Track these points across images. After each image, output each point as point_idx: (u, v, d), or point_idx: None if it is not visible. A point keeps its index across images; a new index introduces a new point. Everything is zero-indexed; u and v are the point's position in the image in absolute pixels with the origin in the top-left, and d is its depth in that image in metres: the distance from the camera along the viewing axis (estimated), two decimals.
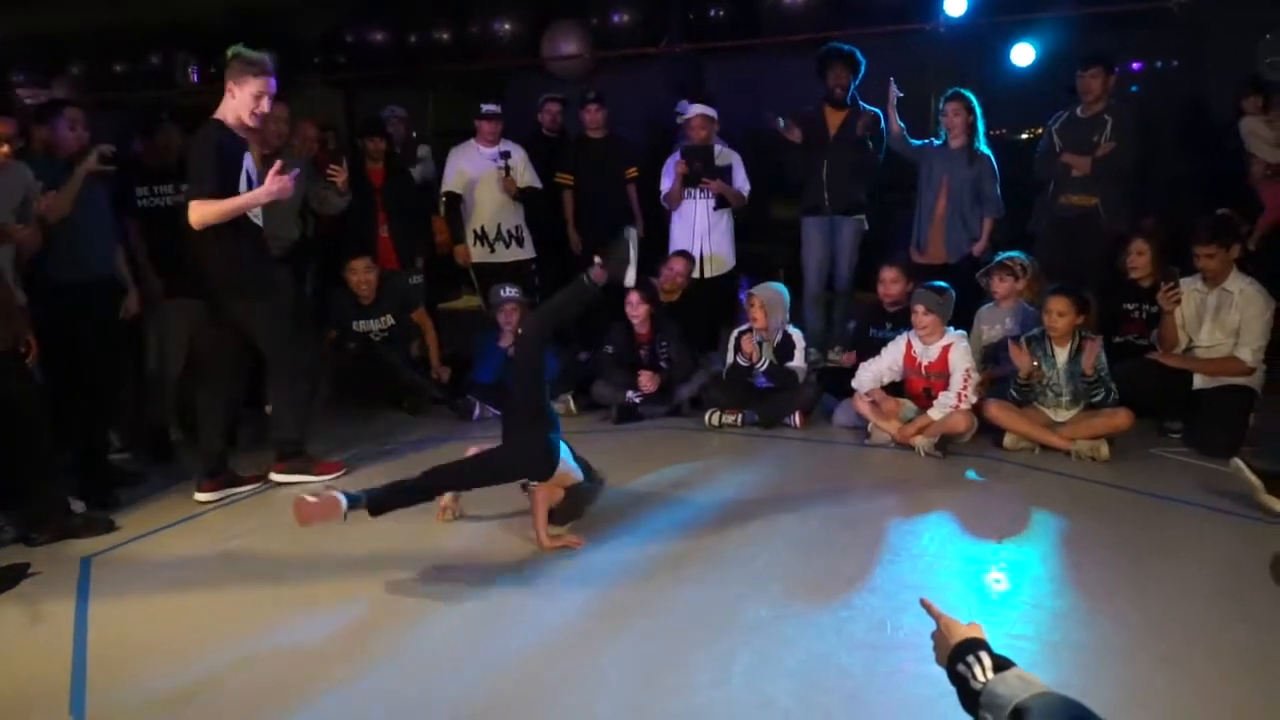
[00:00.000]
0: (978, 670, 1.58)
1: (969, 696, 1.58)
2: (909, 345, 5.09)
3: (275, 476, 4.71)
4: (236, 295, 4.40)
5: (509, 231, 6.50)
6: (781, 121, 6.26)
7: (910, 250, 6.22)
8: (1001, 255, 5.52)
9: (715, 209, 6.39)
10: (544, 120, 7.13)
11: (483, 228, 6.47)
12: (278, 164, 4.33)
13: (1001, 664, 1.59)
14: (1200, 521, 4.00)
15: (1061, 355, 4.87)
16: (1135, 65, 8.24)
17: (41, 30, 10.08)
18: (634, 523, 4.08)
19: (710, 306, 6.49)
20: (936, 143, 6.15)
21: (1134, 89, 8.09)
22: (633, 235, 4.03)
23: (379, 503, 3.60)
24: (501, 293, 5.98)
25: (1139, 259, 5.28)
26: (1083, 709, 1.45)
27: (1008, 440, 4.94)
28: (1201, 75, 7.77)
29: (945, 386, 4.90)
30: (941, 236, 6.10)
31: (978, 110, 6.00)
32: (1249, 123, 6.45)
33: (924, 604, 1.81)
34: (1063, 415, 4.90)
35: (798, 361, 5.53)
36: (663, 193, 6.46)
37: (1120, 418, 4.72)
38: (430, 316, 6.44)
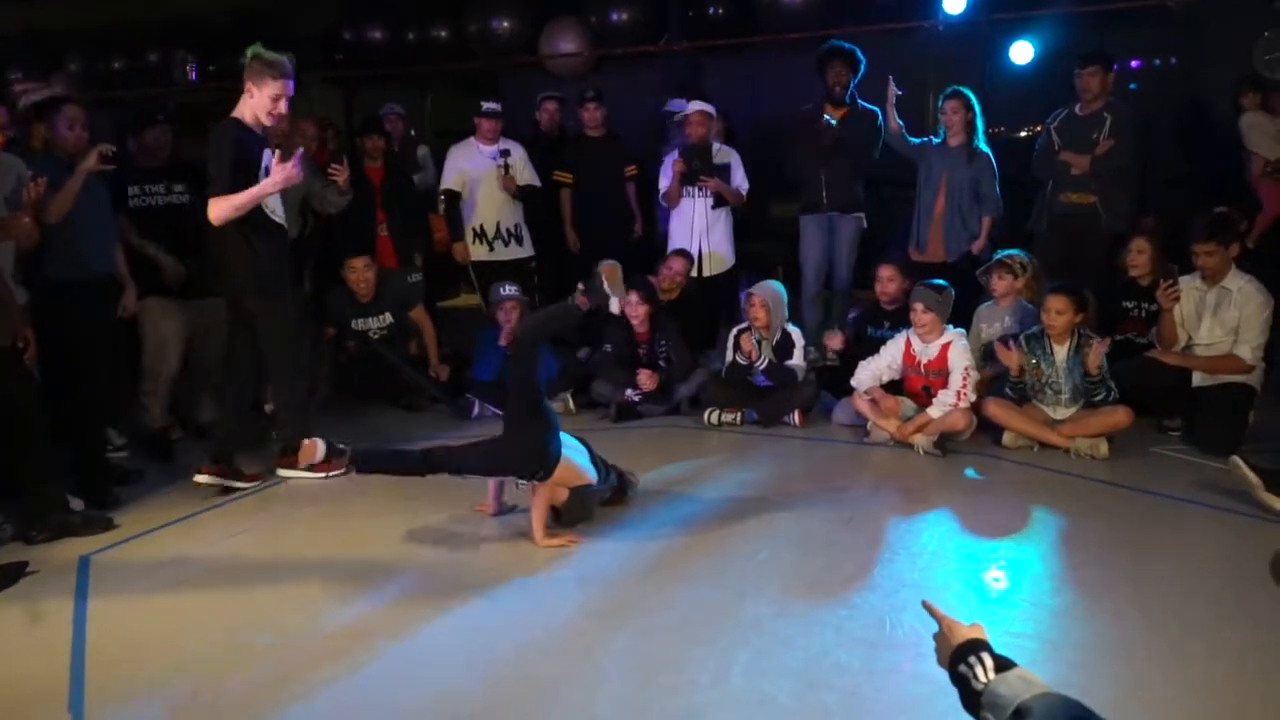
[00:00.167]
0: (979, 671, 1.58)
1: (971, 697, 1.58)
2: (908, 343, 5.09)
3: (281, 472, 4.75)
4: (254, 292, 4.46)
5: (508, 230, 6.49)
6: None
7: (909, 248, 6.22)
8: (1001, 253, 5.52)
9: (714, 208, 6.38)
10: (542, 119, 7.13)
11: (482, 226, 6.46)
12: (277, 153, 4.41)
13: (1003, 664, 1.59)
14: (1199, 519, 4.00)
15: (1060, 353, 4.87)
16: (1134, 63, 8.24)
17: (40, 27, 10.09)
18: (633, 521, 4.08)
19: (709, 305, 6.49)
20: (935, 141, 6.15)
21: (1133, 87, 8.09)
22: (607, 270, 3.98)
23: (367, 459, 3.74)
24: (501, 291, 5.98)
25: (1139, 258, 5.28)
26: (1084, 709, 1.45)
27: (1007, 438, 4.94)
28: (1200, 73, 7.77)
29: (944, 385, 4.90)
30: (940, 235, 6.10)
31: (977, 108, 6.00)
32: (1249, 118, 6.46)
33: (926, 606, 1.82)
34: (1062, 413, 4.90)
35: (797, 360, 5.53)
36: (661, 191, 6.46)
37: (1119, 416, 4.72)
38: (429, 315, 6.44)
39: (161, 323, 5.19)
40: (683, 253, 6.32)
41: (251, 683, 2.89)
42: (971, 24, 7.27)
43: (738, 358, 5.57)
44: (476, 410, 5.78)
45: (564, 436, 3.92)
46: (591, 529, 3.94)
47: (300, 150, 4.56)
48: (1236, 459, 4.06)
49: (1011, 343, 4.98)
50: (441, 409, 5.97)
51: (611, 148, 6.81)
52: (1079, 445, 4.76)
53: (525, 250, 6.59)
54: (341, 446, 3.70)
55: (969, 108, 5.98)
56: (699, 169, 6.27)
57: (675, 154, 6.36)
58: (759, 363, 5.52)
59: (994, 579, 3.49)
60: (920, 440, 4.91)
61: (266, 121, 4.39)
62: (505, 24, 8.54)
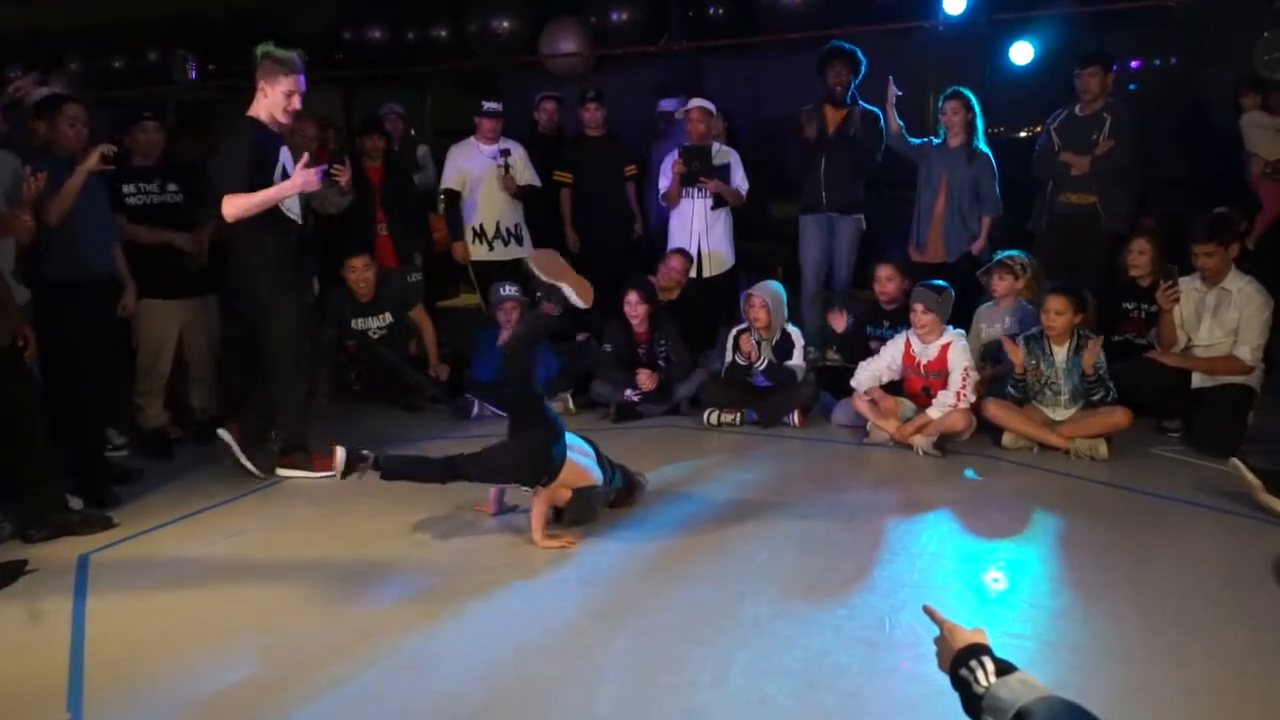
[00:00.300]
0: (980, 675, 1.59)
1: (972, 701, 1.59)
2: (908, 344, 5.09)
3: (281, 472, 4.75)
4: (263, 289, 4.51)
5: (508, 229, 6.49)
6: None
7: (909, 249, 6.22)
8: (1001, 254, 5.52)
9: (713, 208, 6.37)
10: (540, 119, 7.13)
11: (482, 225, 6.46)
12: (305, 156, 4.44)
13: (1004, 668, 1.59)
14: (1199, 521, 4.00)
15: (1060, 354, 4.87)
16: (1134, 64, 8.24)
17: (40, 26, 10.08)
18: (632, 521, 4.08)
19: (709, 306, 6.49)
20: (935, 141, 6.14)
21: (1133, 87, 8.09)
22: (538, 262, 3.92)
23: (391, 467, 3.76)
24: (501, 291, 5.98)
25: (1140, 258, 5.28)
26: (1085, 713, 1.45)
27: (1006, 439, 4.94)
28: (1200, 73, 7.77)
29: (944, 385, 4.90)
30: (940, 235, 6.10)
31: (977, 109, 6.00)
32: (1249, 119, 6.46)
33: (927, 610, 1.82)
34: (1061, 414, 4.90)
35: (796, 360, 5.53)
36: (660, 192, 6.45)
37: (1119, 416, 4.72)
38: (429, 315, 6.44)
39: (155, 323, 5.20)
40: (681, 252, 6.32)
41: (251, 682, 2.89)
42: (971, 24, 7.27)
43: (737, 358, 5.57)
44: (476, 410, 5.78)
45: (570, 438, 3.92)
46: (591, 529, 3.93)
47: (325, 167, 4.66)
48: (1236, 461, 4.06)
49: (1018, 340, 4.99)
50: (441, 409, 5.97)
51: (611, 148, 6.81)
52: (1078, 446, 4.76)
53: (525, 250, 6.56)
54: (365, 453, 3.70)
55: (969, 108, 5.98)
56: (699, 170, 6.26)
57: (675, 154, 6.35)
58: (758, 363, 5.52)
59: (993, 580, 3.49)
60: (920, 441, 4.91)
61: (282, 119, 4.45)
62: (505, 24, 8.53)
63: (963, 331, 5.09)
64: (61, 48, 10.07)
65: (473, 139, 6.45)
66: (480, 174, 6.39)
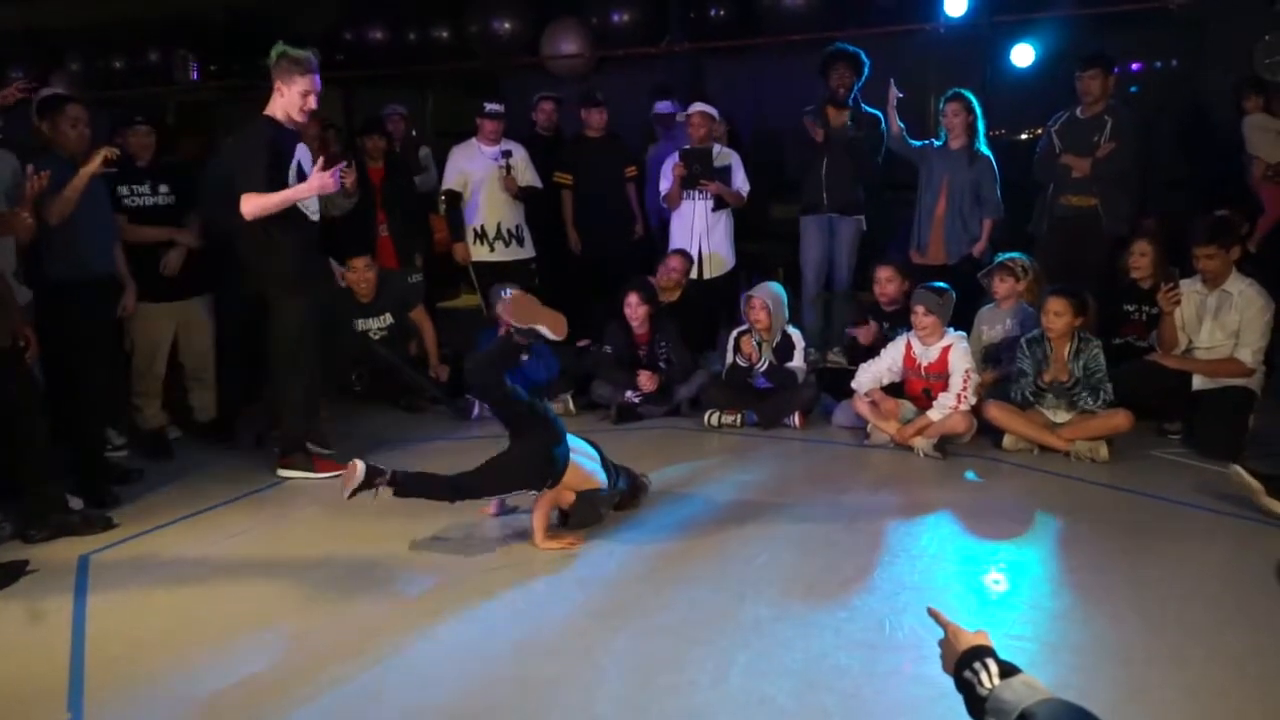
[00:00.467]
0: (984, 676, 1.59)
1: (976, 703, 1.59)
2: (909, 346, 5.09)
3: (281, 472, 4.76)
4: (271, 287, 4.55)
5: (509, 230, 6.48)
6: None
7: (910, 251, 6.22)
8: (1002, 256, 5.51)
9: (714, 210, 6.37)
10: (538, 119, 7.12)
11: (483, 226, 6.46)
12: (322, 159, 4.50)
13: (1008, 670, 1.60)
14: (1199, 523, 4.00)
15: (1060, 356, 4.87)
16: (1135, 66, 8.25)
17: (40, 26, 10.09)
18: (633, 522, 4.08)
19: (709, 307, 6.49)
20: (936, 143, 6.14)
21: (1133, 90, 8.10)
22: (507, 309, 3.89)
23: (404, 486, 3.75)
24: (502, 293, 5.95)
25: (1141, 260, 5.28)
26: (1087, 714, 1.46)
27: (1007, 441, 4.94)
28: (1201, 76, 7.77)
29: (945, 387, 4.90)
30: (941, 237, 6.09)
31: (978, 111, 6.00)
32: (1251, 121, 6.46)
33: (931, 613, 1.82)
34: (1062, 416, 4.90)
35: (797, 362, 5.53)
36: (661, 194, 6.46)
37: (1119, 419, 4.72)
38: (429, 315, 6.44)
39: (149, 326, 5.19)
40: (681, 253, 6.32)
41: (251, 682, 2.89)
42: (973, 26, 7.27)
43: (738, 360, 5.57)
44: (476, 411, 5.77)
45: (573, 440, 3.92)
46: (591, 530, 3.93)
47: (344, 165, 4.73)
48: (1237, 468, 4.05)
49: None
50: (441, 409, 5.97)
51: (611, 148, 6.81)
52: (1079, 448, 4.76)
53: (526, 251, 6.58)
54: (381, 468, 3.72)
55: (970, 110, 5.98)
56: (699, 173, 6.26)
57: (675, 156, 6.35)
58: (759, 365, 5.52)
59: (993, 581, 3.49)
60: (920, 443, 4.91)
61: (299, 118, 4.51)
62: (506, 25, 8.53)
63: (964, 334, 5.09)
64: (61, 48, 10.09)
65: (474, 140, 6.44)
66: (482, 175, 6.38)
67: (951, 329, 5.03)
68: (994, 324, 5.46)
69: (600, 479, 3.94)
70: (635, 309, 5.69)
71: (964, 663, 1.64)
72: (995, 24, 7.30)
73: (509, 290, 3.84)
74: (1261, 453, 4.53)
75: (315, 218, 4.66)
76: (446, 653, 3.04)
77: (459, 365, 6.19)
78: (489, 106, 6.37)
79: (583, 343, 6.17)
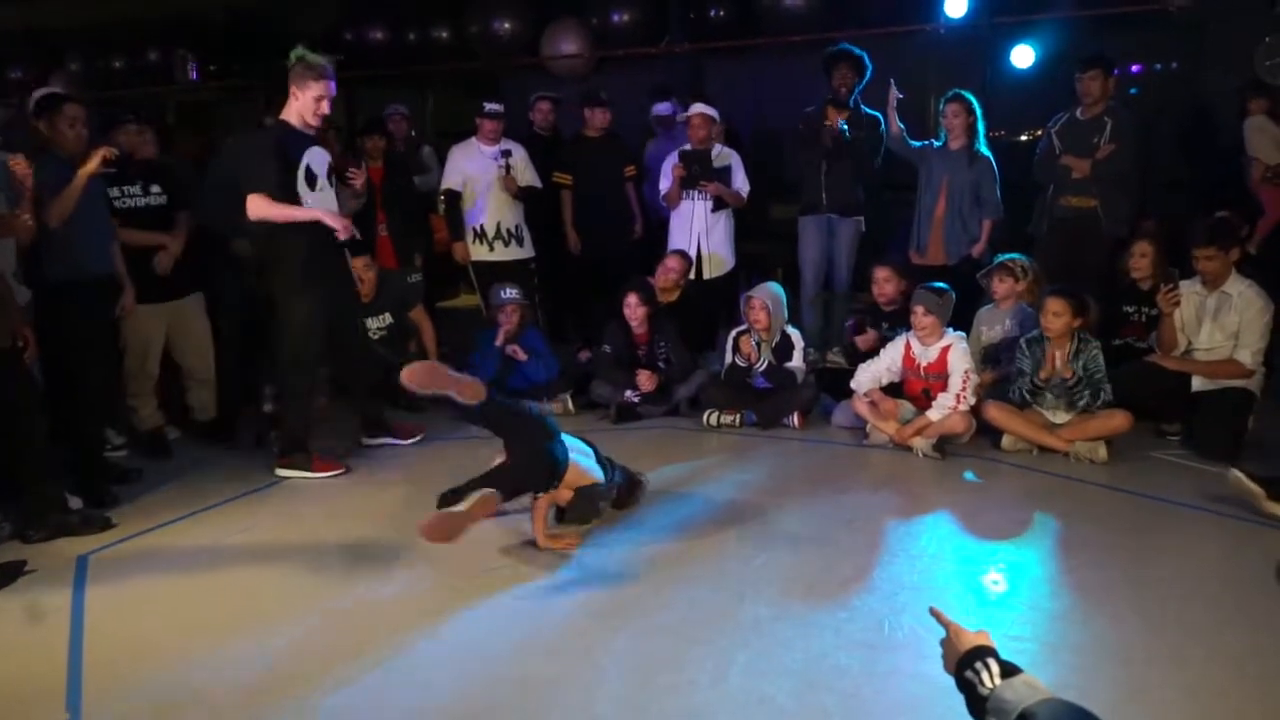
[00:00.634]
0: (985, 676, 1.60)
1: (977, 702, 1.59)
2: (908, 346, 5.09)
3: (280, 472, 4.76)
4: (278, 285, 4.58)
5: (509, 230, 6.48)
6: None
7: (910, 252, 6.22)
8: (1001, 257, 5.52)
9: (713, 210, 6.37)
10: (535, 119, 7.12)
11: (482, 226, 6.46)
12: (344, 223, 4.56)
13: (1009, 670, 1.60)
14: (1198, 523, 4.00)
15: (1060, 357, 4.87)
16: (1135, 67, 8.25)
17: (40, 26, 10.10)
18: (632, 522, 4.08)
19: (709, 307, 6.49)
20: (936, 144, 6.14)
21: (1133, 91, 8.10)
22: (420, 374, 3.73)
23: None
24: (502, 294, 5.97)
25: (1142, 261, 5.28)
26: (1088, 715, 1.46)
27: (1006, 442, 4.94)
28: (1201, 77, 7.78)
29: (944, 388, 4.90)
30: (941, 238, 6.10)
31: (978, 112, 6.00)
32: (1253, 122, 6.46)
33: (933, 612, 1.83)
34: (1061, 417, 4.90)
35: (796, 362, 5.53)
36: (661, 194, 6.46)
37: (1118, 420, 4.72)
38: (429, 315, 6.44)
39: (140, 325, 5.17)
40: (680, 253, 6.31)
41: (250, 682, 2.89)
42: (973, 27, 7.28)
43: (737, 360, 5.57)
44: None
45: (567, 439, 3.92)
46: (590, 530, 3.93)
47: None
48: (1236, 473, 4.04)
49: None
50: (440, 409, 5.95)
51: (611, 148, 6.81)
52: (1078, 449, 4.76)
53: (526, 251, 6.58)
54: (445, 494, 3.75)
55: (970, 111, 5.98)
56: (698, 174, 6.26)
57: (674, 157, 6.35)
58: (758, 365, 5.52)
59: (993, 582, 3.49)
60: (919, 443, 4.91)
61: (313, 122, 4.57)
62: (506, 25, 8.54)
63: (963, 334, 5.09)
64: (61, 48, 10.10)
65: (474, 140, 6.44)
66: (481, 175, 6.38)
67: (951, 329, 5.03)
68: (993, 324, 5.46)
69: (597, 474, 3.94)
70: (634, 309, 5.70)
71: (965, 662, 1.64)
72: (995, 25, 7.31)
73: (413, 364, 3.69)
74: (1261, 455, 4.53)
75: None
76: (446, 653, 3.03)
77: (458, 365, 6.20)
78: (488, 106, 6.38)
79: (583, 355, 6.18)
